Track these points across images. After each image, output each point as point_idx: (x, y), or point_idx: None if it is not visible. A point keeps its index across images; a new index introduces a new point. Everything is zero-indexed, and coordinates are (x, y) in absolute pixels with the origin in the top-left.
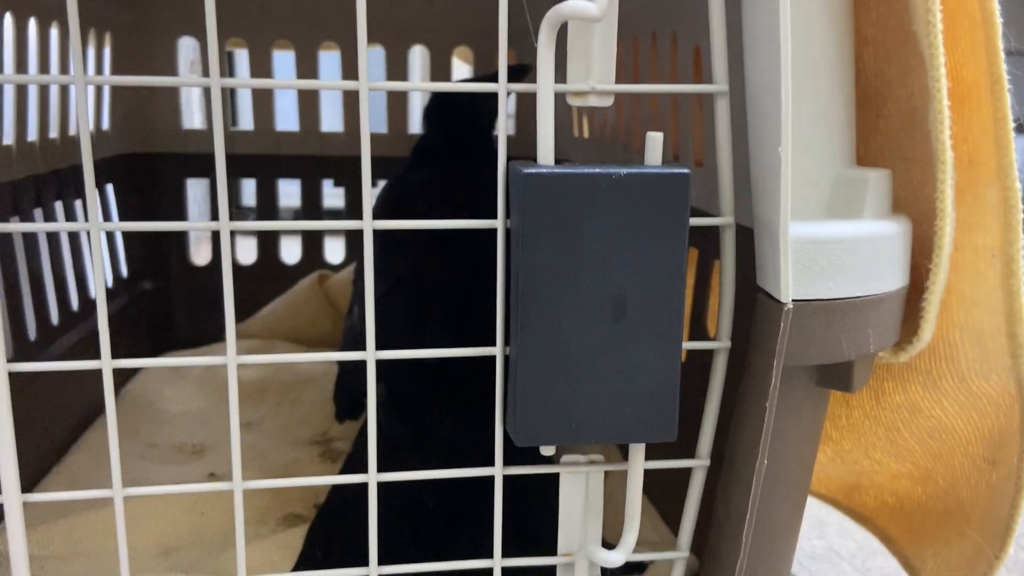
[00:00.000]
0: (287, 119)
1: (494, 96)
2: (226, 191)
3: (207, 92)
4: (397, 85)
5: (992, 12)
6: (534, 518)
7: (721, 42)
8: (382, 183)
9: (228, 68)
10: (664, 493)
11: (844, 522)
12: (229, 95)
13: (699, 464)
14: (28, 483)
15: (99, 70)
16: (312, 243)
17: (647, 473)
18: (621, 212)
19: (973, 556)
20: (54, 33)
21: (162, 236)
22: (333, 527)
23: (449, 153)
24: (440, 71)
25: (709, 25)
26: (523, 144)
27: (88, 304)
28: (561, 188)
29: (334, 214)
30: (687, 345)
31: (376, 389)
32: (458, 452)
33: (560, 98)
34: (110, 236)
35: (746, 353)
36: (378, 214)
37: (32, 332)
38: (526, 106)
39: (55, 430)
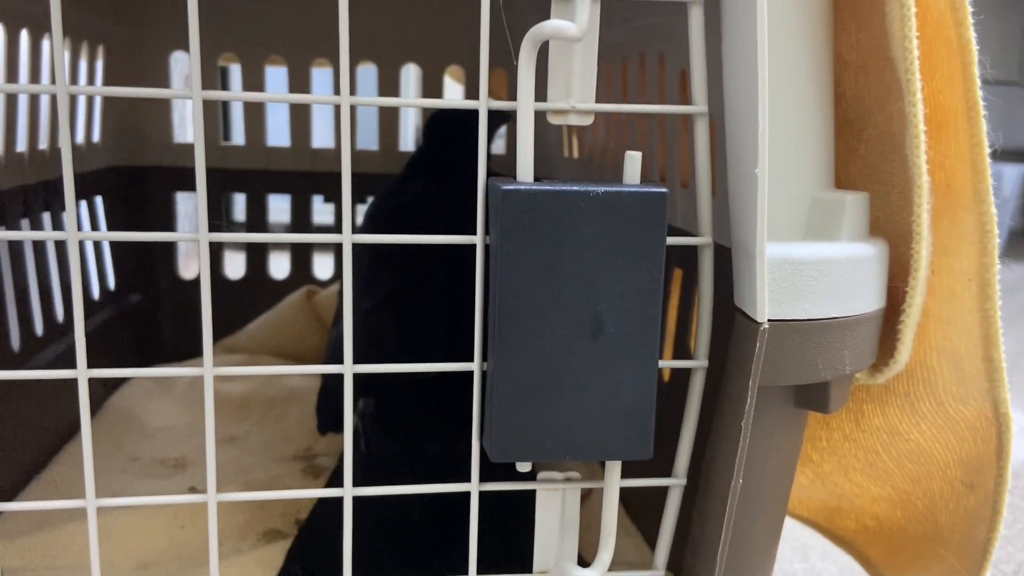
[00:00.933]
0: (278, 135)
1: (492, 115)
2: (206, 202)
3: None
4: (378, 101)
5: (968, 40)
6: (523, 534)
7: (701, 64)
8: (371, 199)
9: (221, 83)
10: (647, 512)
11: (826, 546)
12: (220, 110)
13: (676, 483)
14: (7, 495)
15: (91, 83)
16: (301, 258)
17: (631, 492)
18: (599, 230)
19: None
20: (46, 45)
21: (151, 249)
22: (315, 544)
23: (443, 167)
24: (432, 89)
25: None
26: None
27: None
28: (540, 205)
29: (324, 230)
30: (663, 364)
31: (365, 404)
32: (446, 468)
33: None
34: (98, 248)
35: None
36: (368, 226)
37: (16, 343)
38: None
39: (36, 442)
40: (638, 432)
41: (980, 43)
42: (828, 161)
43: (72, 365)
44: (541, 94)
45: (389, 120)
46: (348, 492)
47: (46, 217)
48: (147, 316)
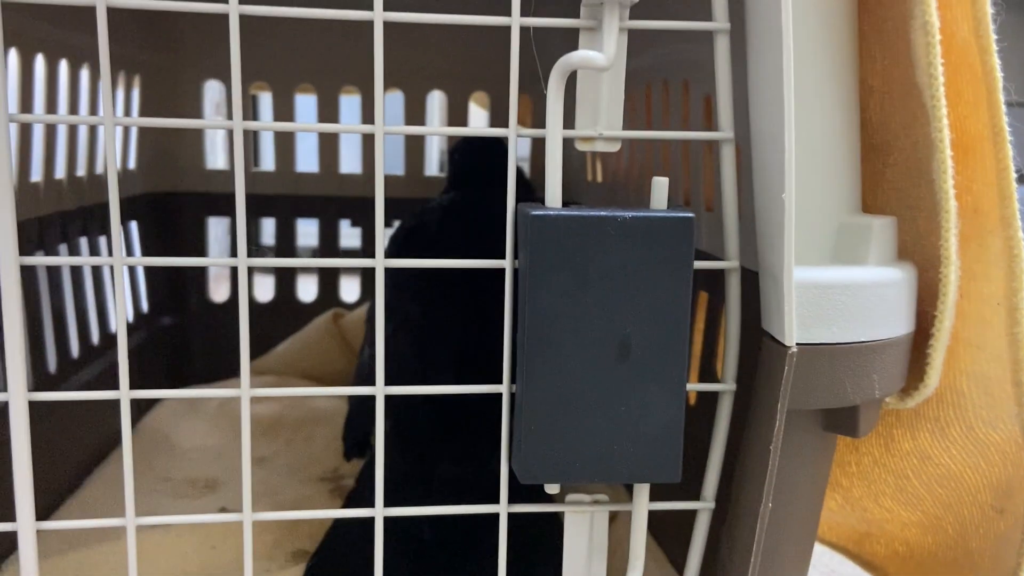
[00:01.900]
0: (307, 160)
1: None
2: (245, 228)
3: (230, 133)
4: (410, 129)
5: (993, 66)
6: (535, 556)
7: (727, 90)
8: (398, 223)
9: (252, 111)
10: (673, 536)
11: (856, 572)
12: (252, 137)
13: (704, 507)
14: (42, 514)
15: (127, 111)
16: (328, 282)
17: (656, 515)
18: (627, 254)
19: None
20: (84, 74)
21: (182, 273)
22: (330, 564)
23: (472, 184)
24: (457, 115)
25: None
26: (539, 188)
27: (108, 338)
28: (568, 229)
29: (351, 253)
30: (691, 387)
31: (386, 425)
32: (457, 488)
33: (573, 144)
34: (132, 272)
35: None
36: (398, 238)
37: (52, 365)
38: (541, 152)
39: (71, 462)
40: (667, 455)
41: (1005, 69)
42: (855, 186)
43: (107, 386)
44: (569, 121)
45: (415, 146)
46: (379, 512)
47: (83, 242)
48: (178, 338)
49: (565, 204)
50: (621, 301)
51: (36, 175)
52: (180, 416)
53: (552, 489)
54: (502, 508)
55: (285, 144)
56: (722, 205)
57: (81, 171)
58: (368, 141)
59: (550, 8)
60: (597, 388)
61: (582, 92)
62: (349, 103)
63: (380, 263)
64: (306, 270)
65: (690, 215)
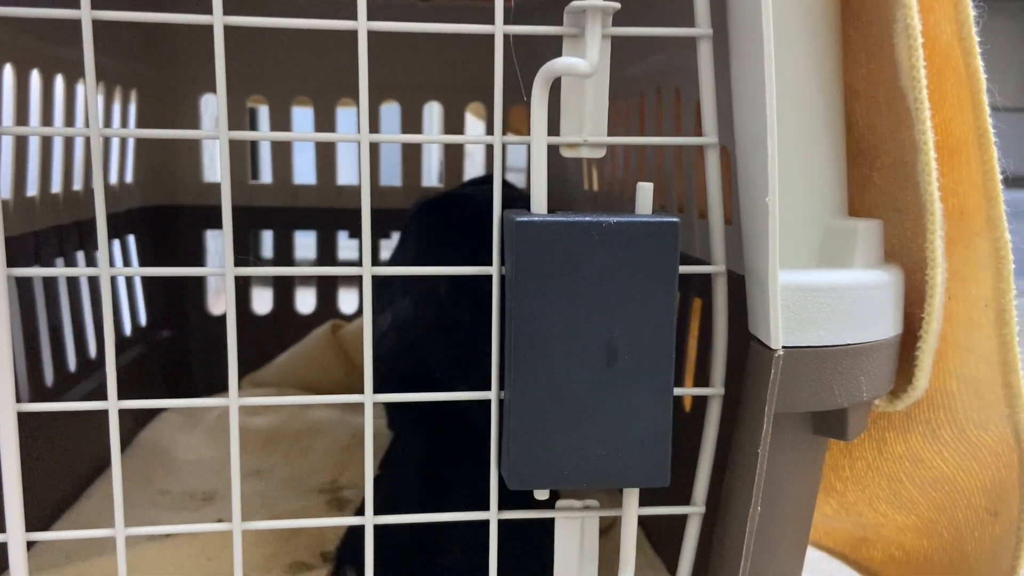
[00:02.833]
0: (305, 173)
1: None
2: (232, 237)
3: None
4: (396, 138)
5: (976, 69)
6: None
7: (710, 96)
8: (396, 235)
9: (250, 124)
10: (670, 542)
11: None
12: (249, 150)
13: (694, 511)
14: (39, 527)
15: (124, 125)
16: (327, 293)
17: (652, 522)
18: (612, 259)
19: None
20: (80, 89)
21: (181, 286)
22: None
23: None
24: (454, 125)
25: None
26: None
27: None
28: (553, 236)
29: (349, 265)
30: (679, 391)
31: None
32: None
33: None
34: (130, 285)
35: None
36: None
37: (49, 378)
38: None
39: (66, 477)
40: (655, 459)
41: (999, 72)
42: (841, 189)
43: (104, 400)
44: (556, 128)
45: (412, 156)
46: (369, 520)
47: (80, 256)
48: (177, 352)
49: (552, 211)
50: (607, 306)
51: (32, 190)
52: (178, 429)
53: (542, 495)
54: (492, 515)
55: (282, 156)
56: (708, 210)
57: (77, 185)
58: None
59: (537, 17)
60: (585, 393)
61: (566, 99)
62: (346, 115)
63: (367, 271)
64: (305, 282)
65: (674, 220)
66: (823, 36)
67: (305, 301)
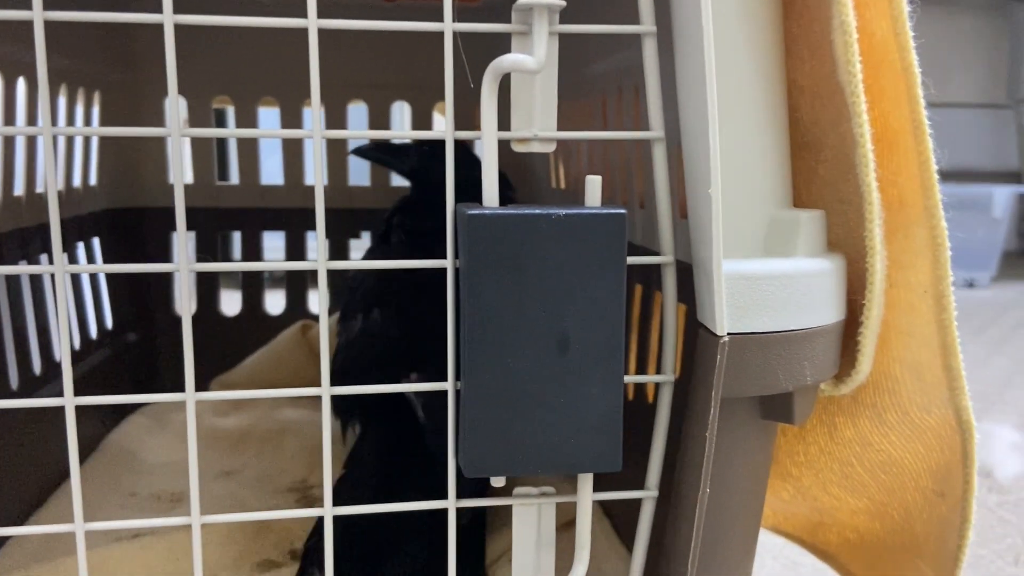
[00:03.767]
0: (273, 173)
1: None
2: (184, 234)
3: (194, 147)
4: (347, 134)
5: (911, 63)
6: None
7: (656, 92)
8: (366, 235)
9: (217, 124)
10: (634, 528)
11: (817, 563)
12: (215, 150)
13: (648, 495)
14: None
15: (87, 126)
16: (296, 294)
17: (617, 509)
18: (562, 250)
19: None
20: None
21: (148, 289)
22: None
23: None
24: (422, 125)
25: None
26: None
27: (71, 354)
28: (504, 228)
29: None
30: (629, 379)
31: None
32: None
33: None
34: (95, 288)
35: None
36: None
37: (14, 381)
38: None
39: (35, 479)
40: (607, 445)
41: (965, 70)
42: (785, 181)
43: None
44: (507, 124)
45: None
46: (328, 512)
47: (43, 258)
48: (144, 354)
49: (504, 204)
50: (558, 296)
51: None
52: (146, 432)
53: (498, 482)
54: (451, 503)
55: (250, 157)
56: (656, 202)
57: (40, 187)
58: (332, 151)
59: (505, 16)
60: (538, 382)
61: (516, 95)
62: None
63: (323, 266)
64: (274, 283)
65: (622, 211)
66: (764, 33)
67: (275, 302)
